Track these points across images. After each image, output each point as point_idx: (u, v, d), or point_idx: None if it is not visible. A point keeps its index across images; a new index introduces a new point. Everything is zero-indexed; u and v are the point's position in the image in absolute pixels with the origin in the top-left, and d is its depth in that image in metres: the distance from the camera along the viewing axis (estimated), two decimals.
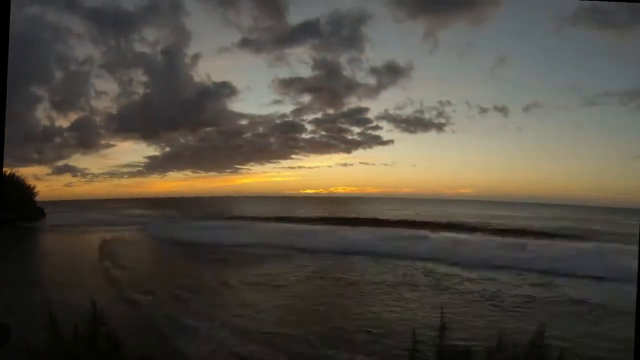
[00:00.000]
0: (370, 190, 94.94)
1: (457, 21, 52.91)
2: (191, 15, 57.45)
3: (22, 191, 32.41)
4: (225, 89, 63.02)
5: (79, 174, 61.95)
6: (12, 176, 31.97)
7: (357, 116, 58.87)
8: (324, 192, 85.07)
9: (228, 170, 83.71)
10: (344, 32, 53.91)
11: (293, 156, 74.21)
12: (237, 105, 77.30)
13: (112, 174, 70.48)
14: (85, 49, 63.84)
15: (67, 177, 74.49)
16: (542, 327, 3.71)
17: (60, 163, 67.50)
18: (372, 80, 67.28)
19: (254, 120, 68.15)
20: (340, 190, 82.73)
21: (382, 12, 57.76)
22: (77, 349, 3.81)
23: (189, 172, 73.93)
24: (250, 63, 62.46)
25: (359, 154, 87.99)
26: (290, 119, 61.46)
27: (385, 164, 73.94)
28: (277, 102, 77.13)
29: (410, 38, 63.61)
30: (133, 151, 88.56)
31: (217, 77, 72.89)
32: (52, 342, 3.63)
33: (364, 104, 74.08)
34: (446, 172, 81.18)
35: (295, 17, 64.26)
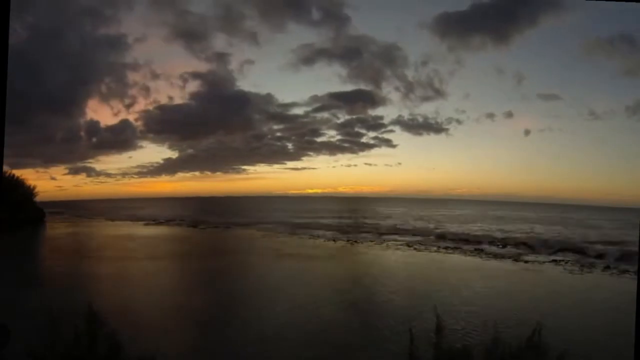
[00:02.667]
0: (377, 189, 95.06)
1: (481, 45, 56.86)
2: (244, 29, 59.14)
3: (22, 191, 32.36)
4: (266, 98, 63.40)
5: (93, 174, 61.92)
6: (12, 176, 31.93)
7: (374, 122, 60.52)
8: (330, 191, 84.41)
9: (233, 171, 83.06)
10: (379, 53, 57.04)
11: (303, 158, 73.71)
12: (273, 113, 78.01)
13: (124, 174, 70.57)
14: (136, 53, 65.12)
15: (81, 177, 74.61)
16: (539, 326, 3.64)
17: (81, 164, 67.21)
18: (399, 96, 69.77)
19: (279, 125, 69.05)
20: (342, 189, 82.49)
21: (413, 36, 64.72)
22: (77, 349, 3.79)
23: (197, 173, 73.80)
24: (293, 77, 67.33)
25: (370, 155, 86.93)
26: (316, 126, 62.77)
27: (390, 165, 74.31)
28: (313, 110, 76.91)
29: (437, 59, 66.33)
30: (157, 153, 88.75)
31: (263, 88, 77.47)
32: None
33: (384, 112, 75.59)
34: (451, 172, 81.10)
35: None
